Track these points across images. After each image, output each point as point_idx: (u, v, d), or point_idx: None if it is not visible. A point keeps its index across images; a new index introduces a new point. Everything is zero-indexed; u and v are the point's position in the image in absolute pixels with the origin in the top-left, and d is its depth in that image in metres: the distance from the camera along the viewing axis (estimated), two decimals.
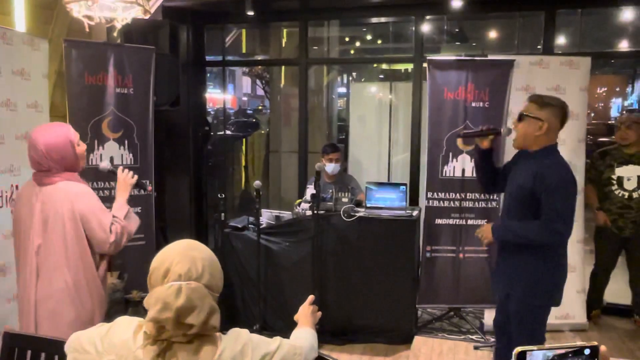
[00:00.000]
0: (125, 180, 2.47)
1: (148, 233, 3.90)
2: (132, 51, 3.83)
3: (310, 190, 4.01)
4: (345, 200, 3.95)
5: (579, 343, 0.81)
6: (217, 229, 4.05)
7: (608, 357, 0.81)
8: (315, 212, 3.73)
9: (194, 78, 5.41)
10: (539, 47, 4.77)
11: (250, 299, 4.01)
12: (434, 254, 4.11)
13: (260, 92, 19.48)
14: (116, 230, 2.26)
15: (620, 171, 4.02)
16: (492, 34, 7.10)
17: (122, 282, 3.72)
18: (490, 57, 4.17)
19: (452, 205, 4.07)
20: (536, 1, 4.66)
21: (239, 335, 1.38)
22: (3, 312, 3.01)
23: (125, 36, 3.94)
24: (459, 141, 4.03)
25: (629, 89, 13.45)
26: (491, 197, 4.05)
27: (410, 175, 5.00)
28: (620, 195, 4.02)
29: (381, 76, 8.58)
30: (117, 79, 3.75)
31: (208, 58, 5.61)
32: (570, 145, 3.96)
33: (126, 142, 3.84)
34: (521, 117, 2.57)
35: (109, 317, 2.08)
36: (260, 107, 18.53)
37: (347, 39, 7.87)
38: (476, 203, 4.07)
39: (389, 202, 4.01)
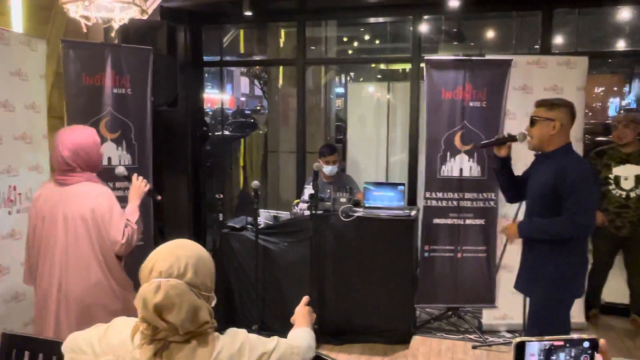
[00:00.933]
0: (140, 187, 2.61)
1: (146, 233, 3.89)
2: (129, 51, 3.83)
3: (308, 190, 4.02)
4: (343, 200, 3.95)
5: (577, 336, 0.81)
6: (215, 229, 4.04)
7: (607, 351, 0.81)
8: (314, 212, 3.73)
9: (192, 78, 5.41)
10: (536, 46, 4.77)
11: (248, 299, 4.01)
12: (432, 254, 4.11)
13: (258, 92, 19.48)
14: (128, 232, 2.38)
15: (617, 170, 4.03)
16: (490, 34, 7.11)
17: None
18: (487, 57, 4.18)
19: (450, 205, 4.07)
20: (533, 1, 4.66)
21: (237, 335, 1.38)
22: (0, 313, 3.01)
23: (122, 36, 3.93)
24: (457, 141, 4.04)
25: (626, 89, 13.48)
26: (489, 196, 4.06)
27: (408, 175, 5.00)
28: (617, 194, 4.03)
29: (379, 76, 8.58)
30: (114, 79, 3.75)
31: (206, 58, 5.61)
32: None
33: (124, 142, 3.83)
34: (533, 122, 2.66)
35: None
36: (258, 108, 18.52)
37: (345, 39, 7.86)
38: (474, 203, 4.07)
39: (387, 202, 4.01)
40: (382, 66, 8.38)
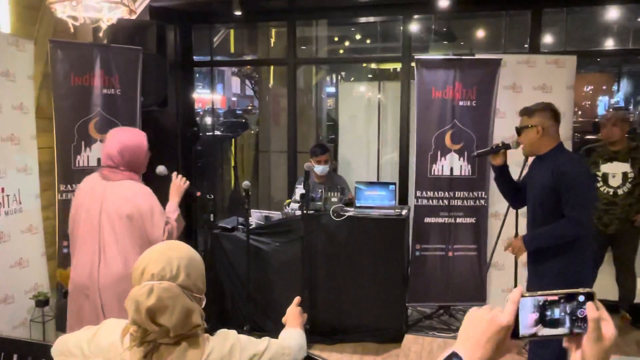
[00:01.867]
0: (180, 185, 2.71)
1: None
2: (118, 52, 3.80)
3: (299, 190, 4.01)
4: (334, 200, 3.95)
5: (573, 290, 0.79)
6: (206, 229, 4.03)
7: (601, 305, 0.78)
8: (305, 212, 3.73)
9: (182, 78, 5.39)
10: (525, 46, 4.81)
11: (240, 300, 4.00)
12: (423, 252, 4.13)
13: (249, 92, 19.42)
14: (169, 229, 2.48)
15: (605, 168, 4.06)
16: (480, 33, 7.13)
17: None
18: (477, 56, 4.20)
19: (441, 204, 4.09)
20: (522, 0, 4.69)
21: (227, 336, 1.38)
22: None
23: (112, 36, 3.90)
24: (448, 140, 4.05)
25: (614, 87, 13.58)
26: (479, 195, 4.08)
27: (399, 174, 5.02)
28: (605, 192, 4.06)
29: (370, 76, 8.58)
30: (103, 79, 3.72)
31: (196, 58, 5.58)
32: None
33: None
34: (519, 131, 2.79)
35: None
36: (249, 107, 18.46)
37: (335, 39, 7.85)
38: (465, 201, 4.09)
39: (378, 201, 4.02)
40: (373, 66, 8.38)
